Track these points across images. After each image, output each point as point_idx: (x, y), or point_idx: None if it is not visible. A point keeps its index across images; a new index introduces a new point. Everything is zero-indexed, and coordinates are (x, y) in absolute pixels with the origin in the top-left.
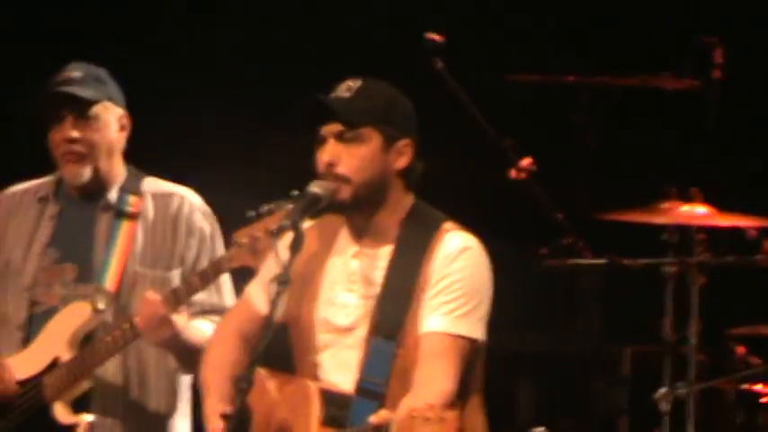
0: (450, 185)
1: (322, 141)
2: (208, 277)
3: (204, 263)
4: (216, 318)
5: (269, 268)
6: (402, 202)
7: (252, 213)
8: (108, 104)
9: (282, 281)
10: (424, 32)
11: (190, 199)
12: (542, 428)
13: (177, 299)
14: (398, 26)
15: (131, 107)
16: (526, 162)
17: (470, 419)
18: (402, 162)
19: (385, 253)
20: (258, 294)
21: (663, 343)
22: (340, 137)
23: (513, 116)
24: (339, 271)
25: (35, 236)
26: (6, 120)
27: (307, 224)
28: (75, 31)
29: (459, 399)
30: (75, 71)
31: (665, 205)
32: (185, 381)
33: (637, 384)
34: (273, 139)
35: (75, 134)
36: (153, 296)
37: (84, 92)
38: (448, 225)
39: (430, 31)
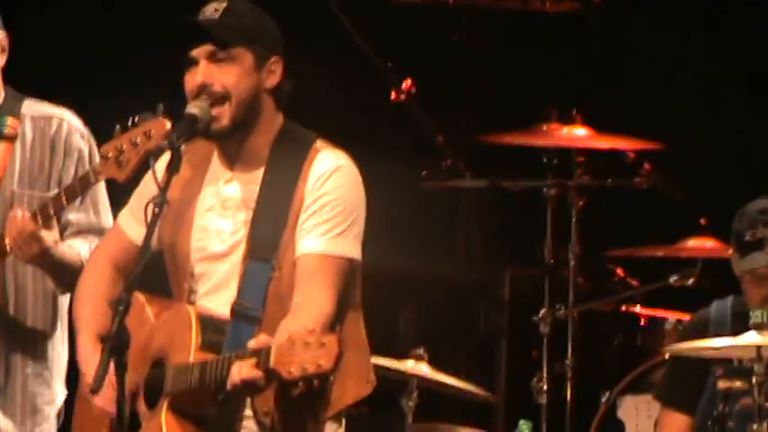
0: (331, 107)
1: (192, 63)
2: (75, 192)
3: None
4: (93, 237)
5: (140, 195)
6: (273, 122)
7: (118, 127)
8: None
9: (160, 202)
10: None
11: (69, 120)
12: (421, 349)
13: (45, 215)
14: None
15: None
16: (407, 84)
17: (351, 337)
18: (273, 80)
19: (258, 176)
20: (130, 222)
21: (543, 265)
22: (212, 57)
23: (394, 38)
24: (212, 197)
25: None
26: None
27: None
28: None
29: (339, 318)
30: None
31: (546, 127)
32: (64, 302)
33: (516, 307)
34: (150, 61)
35: None
36: (21, 213)
37: None
38: (319, 143)
39: None
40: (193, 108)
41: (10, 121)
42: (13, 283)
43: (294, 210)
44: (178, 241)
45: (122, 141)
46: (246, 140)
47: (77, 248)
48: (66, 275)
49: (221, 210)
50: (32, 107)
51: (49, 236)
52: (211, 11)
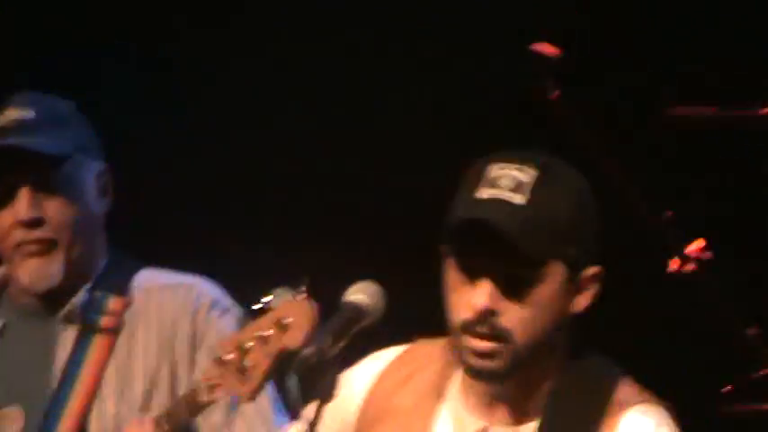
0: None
1: (473, 274)
2: (178, 420)
3: None
4: None
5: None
6: (561, 354)
7: (255, 306)
8: (80, 158)
9: None
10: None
11: (202, 291)
12: None
13: None
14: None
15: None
16: (696, 246)
17: None
18: (584, 301)
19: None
20: None
21: None
22: (508, 277)
23: (671, 167)
24: None
25: None
26: None
27: (391, 358)
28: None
29: None
30: (26, 109)
31: None
32: None
33: None
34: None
35: (34, 213)
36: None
37: (44, 143)
38: (625, 393)
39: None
40: (358, 294)
41: (110, 302)
42: None
43: None
44: None
45: (248, 334)
46: (517, 380)
47: None
48: None
49: None
50: (148, 277)
51: None
52: (509, 183)
